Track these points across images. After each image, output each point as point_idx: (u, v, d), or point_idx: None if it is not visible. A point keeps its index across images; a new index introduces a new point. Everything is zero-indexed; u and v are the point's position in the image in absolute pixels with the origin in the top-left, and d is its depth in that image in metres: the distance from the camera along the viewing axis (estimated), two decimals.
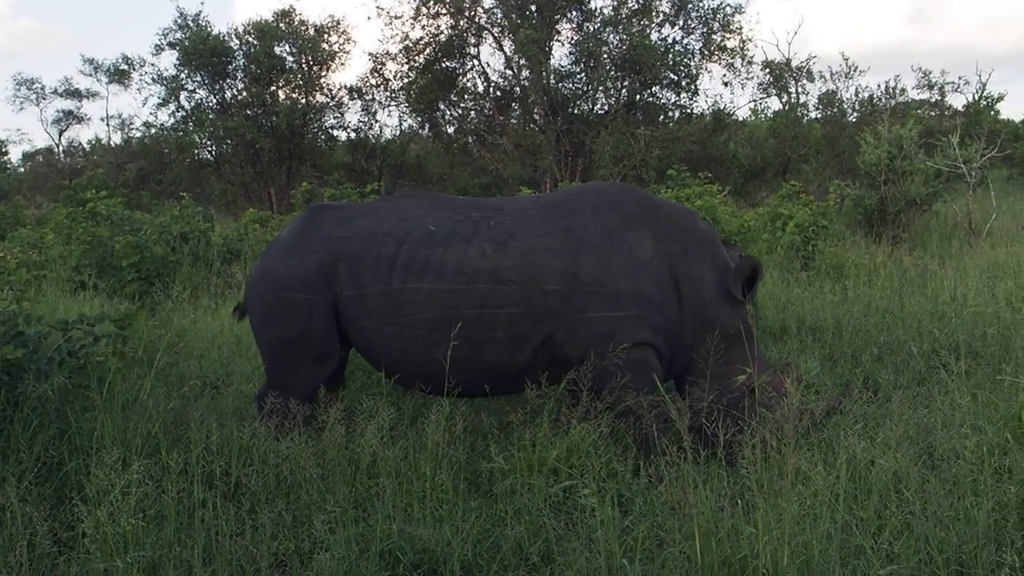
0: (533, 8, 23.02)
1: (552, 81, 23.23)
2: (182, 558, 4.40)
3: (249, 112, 25.73)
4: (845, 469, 4.60)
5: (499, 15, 23.54)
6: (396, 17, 24.00)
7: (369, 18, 60.51)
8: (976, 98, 32.37)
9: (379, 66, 25.05)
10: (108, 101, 53.05)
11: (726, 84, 24.57)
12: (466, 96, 25.05)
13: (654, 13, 23.53)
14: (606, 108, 23.61)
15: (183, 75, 25.80)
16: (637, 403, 5.65)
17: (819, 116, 26.87)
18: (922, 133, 18.20)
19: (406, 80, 24.63)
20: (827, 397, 6.05)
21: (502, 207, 6.35)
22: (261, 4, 74.69)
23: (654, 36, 23.30)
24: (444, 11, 23.66)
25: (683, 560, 4.20)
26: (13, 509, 4.53)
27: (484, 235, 6.06)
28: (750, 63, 24.24)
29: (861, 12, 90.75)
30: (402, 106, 25.67)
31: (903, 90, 26.68)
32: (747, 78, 24.78)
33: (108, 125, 35.92)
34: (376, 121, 28.21)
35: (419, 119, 25.88)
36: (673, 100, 24.03)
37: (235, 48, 25.73)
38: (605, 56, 22.48)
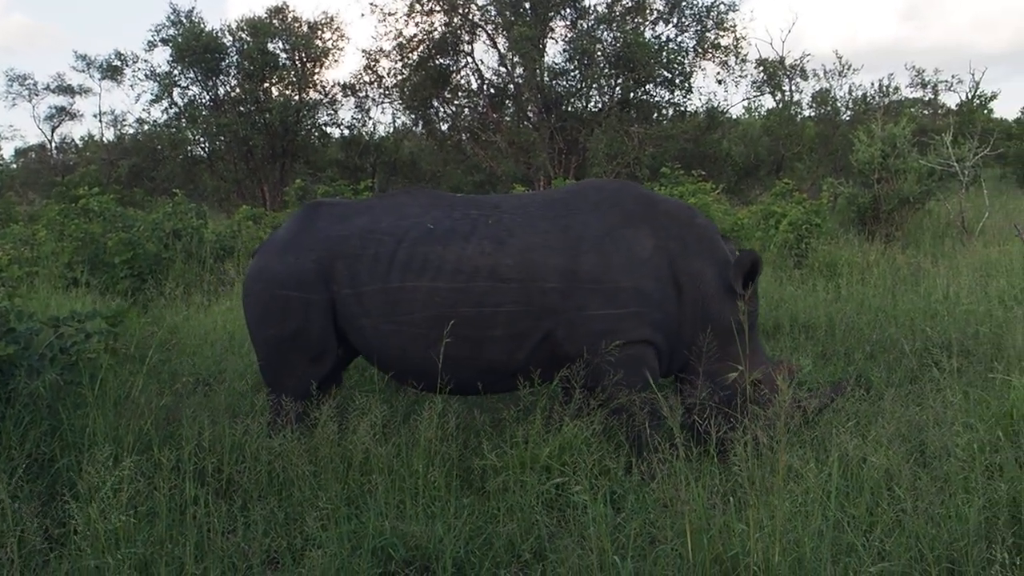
0: (527, 5, 23.02)
1: (546, 78, 23.23)
2: (174, 555, 4.39)
3: (242, 109, 25.72)
4: (837, 466, 4.61)
5: (493, 12, 23.53)
6: (390, 14, 24.00)
7: (363, 15, 60.37)
8: (969, 97, 32.36)
9: (372, 63, 25.05)
10: (101, 97, 53.21)
11: (720, 82, 24.73)
12: (460, 93, 25.04)
13: (648, 11, 23.55)
14: (600, 106, 23.62)
15: (176, 71, 25.78)
16: (643, 401, 5.64)
17: (813, 114, 26.89)
18: (915, 131, 18.22)
19: (400, 77, 24.63)
20: (820, 395, 6.05)
21: (500, 204, 6.33)
22: (254, 0, 74.50)
23: (648, 34, 23.32)
24: (438, 8, 23.66)
25: (675, 557, 4.21)
26: (4, 506, 4.51)
27: (483, 233, 6.04)
28: (744, 61, 24.27)
29: (855, 10, 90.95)
30: (396, 103, 25.69)
31: (896, 88, 26.72)
32: (741, 76, 24.81)
33: (101, 121, 35.85)
34: (369, 118, 28.24)
35: (413, 116, 25.88)
36: (667, 98, 24.07)
37: (228, 44, 25.70)
38: (599, 54, 22.49)
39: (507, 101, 24.93)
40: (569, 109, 23.62)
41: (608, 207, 6.21)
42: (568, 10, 23.39)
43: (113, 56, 29.37)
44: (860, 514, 4.49)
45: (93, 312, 6.74)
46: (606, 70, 22.77)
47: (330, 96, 26.89)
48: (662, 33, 23.85)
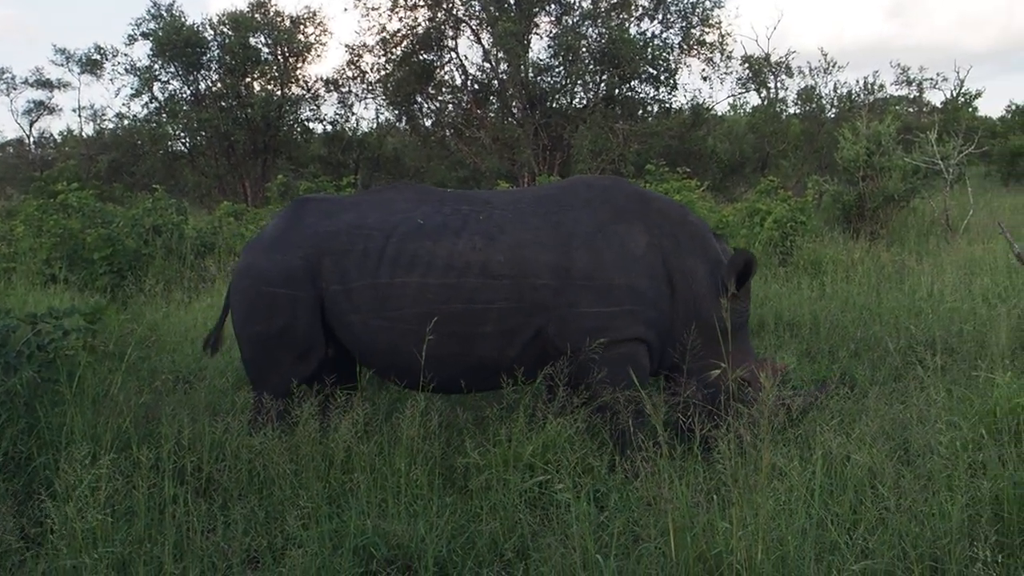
0: (511, 1, 23.02)
1: (530, 75, 23.24)
2: (152, 555, 4.37)
3: (223, 104, 25.65)
4: (821, 464, 4.62)
5: (477, 7, 23.54)
6: (373, 8, 24.00)
7: (346, 9, 60.48)
8: (954, 95, 32.59)
9: (356, 58, 25.05)
10: (80, 92, 52.65)
11: (705, 79, 24.77)
12: (444, 89, 25.05)
13: (633, 7, 23.63)
14: (584, 102, 23.66)
15: (156, 66, 25.71)
16: (627, 399, 5.63)
17: (798, 112, 27.02)
18: (900, 129, 18.32)
19: (383, 72, 24.63)
20: (805, 393, 6.07)
21: (490, 200, 6.31)
22: None
23: (633, 30, 23.39)
24: (422, 3, 23.66)
25: (658, 556, 4.21)
26: None
27: (474, 229, 6.02)
28: (729, 58, 24.39)
29: (841, 8, 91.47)
30: (379, 99, 25.69)
31: (881, 86, 26.94)
32: (726, 73, 24.98)
33: (80, 116, 35.60)
34: (352, 114, 28.35)
35: (396, 112, 25.89)
36: (652, 94, 24.16)
37: (209, 39, 25.65)
38: (584, 50, 22.52)
39: (491, 97, 24.95)
40: (554, 105, 23.65)
41: (600, 203, 6.20)
42: (553, 6, 23.44)
43: (93, 50, 29.22)
44: (843, 512, 4.51)
45: (71, 309, 6.70)
46: (591, 66, 22.80)
47: (313, 91, 26.89)
48: (647, 29, 23.96)
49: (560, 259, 5.92)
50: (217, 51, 25.67)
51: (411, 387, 6.15)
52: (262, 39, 26.13)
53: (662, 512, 4.27)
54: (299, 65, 26.65)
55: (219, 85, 25.98)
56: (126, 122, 27.25)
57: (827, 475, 4.85)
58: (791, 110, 27.21)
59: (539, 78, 23.56)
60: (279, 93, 26.17)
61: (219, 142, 25.42)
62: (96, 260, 11.98)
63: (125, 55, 29.88)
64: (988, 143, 25.75)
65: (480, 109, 24.30)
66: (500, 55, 23.30)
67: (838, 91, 26.35)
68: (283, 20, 26.48)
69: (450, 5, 23.58)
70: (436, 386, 6.04)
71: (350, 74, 25.62)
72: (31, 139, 37.27)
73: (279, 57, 26.35)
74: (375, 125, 28.56)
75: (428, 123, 25.88)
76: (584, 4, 23.41)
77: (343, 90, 26.49)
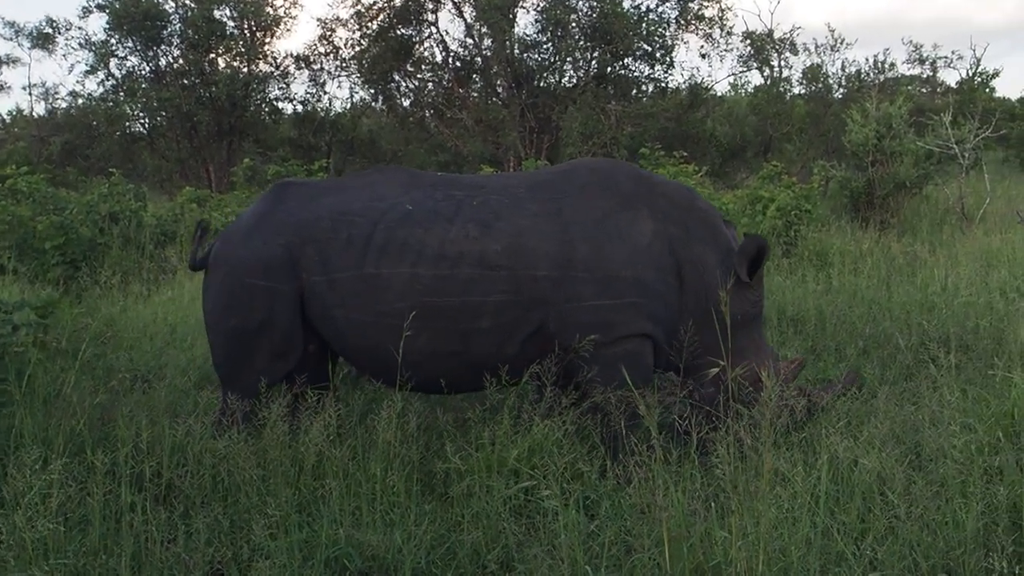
0: None
1: (516, 51, 23.22)
2: (108, 566, 4.36)
3: (186, 81, 25.55)
4: (826, 470, 4.63)
5: None
6: None
7: None
8: (970, 74, 32.67)
9: (328, 33, 25.01)
10: (31, 68, 52.43)
11: (704, 56, 24.73)
12: (423, 66, 25.00)
13: None
14: (574, 81, 23.64)
15: (113, 40, 25.56)
16: (628, 398, 5.61)
17: (803, 92, 27.09)
18: (912, 111, 18.38)
19: (358, 48, 24.58)
20: (830, 387, 6.10)
21: (484, 185, 6.24)
22: None
23: (626, 3, 23.39)
24: None
25: (652, 567, 4.21)
26: None
27: (468, 215, 5.94)
28: (729, 34, 24.42)
29: None
30: (353, 76, 25.66)
31: (892, 65, 26.93)
32: (726, 50, 24.98)
33: (31, 94, 35.60)
34: (325, 93, 28.28)
35: (372, 91, 25.84)
36: (646, 73, 24.16)
37: (170, 11, 25.51)
38: (574, 24, 22.50)
39: (474, 75, 24.91)
40: (541, 84, 23.63)
41: (602, 188, 6.14)
42: None
43: (44, 23, 28.93)
44: (851, 521, 4.52)
45: (21, 302, 6.68)
46: (581, 42, 22.79)
47: (282, 68, 26.79)
48: (641, 3, 23.92)
49: (561, 249, 5.86)
50: (179, 25, 25.54)
51: (401, 387, 6.04)
52: (227, 12, 26.03)
53: (656, 521, 4.28)
54: (267, 40, 26.57)
55: (181, 61, 25.85)
56: (80, 101, 27.16)
57: (833, 481, 4.86)
58: (796, 90, 27.30)
59: (526, 55, 23.55)
60: (245, 70, 26.06)
61: (181, 123, 25.30)
62: (48, 250, 11.92)
63: (79, 28, 29.64)
64: (1006, 126, 25.90)
65: (462, 88, 24.27)
66: (484, 30, 23.28)
67: (846, 70, 26.40)
68: None
69: None
70: (429, 386, 6.01)
71: (322, 50, 25.59)
72: None
73: (245, 31, 26.26)
74: (349, 105, 28.52)
75: (406, 103, 25.87)
76: None
77: (315, 67, 26.44)
